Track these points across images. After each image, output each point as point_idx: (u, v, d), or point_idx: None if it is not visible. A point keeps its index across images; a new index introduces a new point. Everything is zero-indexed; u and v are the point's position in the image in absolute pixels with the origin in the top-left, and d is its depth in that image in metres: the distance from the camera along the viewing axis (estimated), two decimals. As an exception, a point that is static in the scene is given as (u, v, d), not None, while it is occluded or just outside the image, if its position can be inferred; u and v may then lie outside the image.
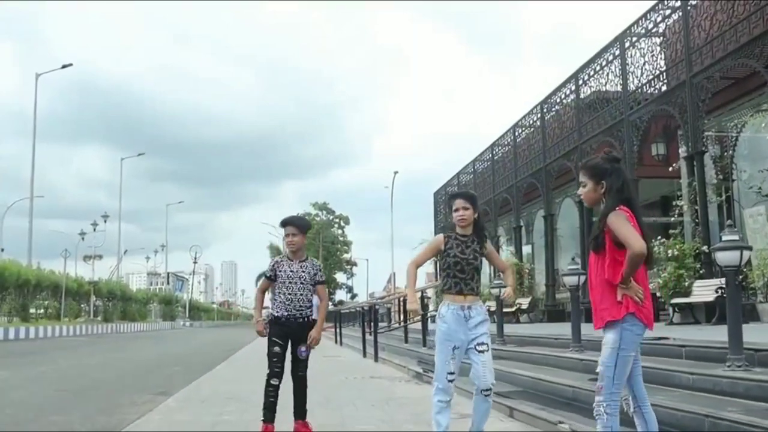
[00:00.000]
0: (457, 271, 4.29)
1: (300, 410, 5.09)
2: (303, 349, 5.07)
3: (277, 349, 5.00)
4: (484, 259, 4.50)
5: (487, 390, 4.20)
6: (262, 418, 4.94)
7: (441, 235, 4.49)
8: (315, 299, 17.60)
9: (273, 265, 5.18)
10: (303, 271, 5.12)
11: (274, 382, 4.96)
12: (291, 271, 5.10)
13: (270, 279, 5.17)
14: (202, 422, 5.71)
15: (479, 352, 4.19)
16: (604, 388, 3.33)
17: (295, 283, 5.09)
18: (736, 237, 5.14)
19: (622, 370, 3.31)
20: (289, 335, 5.05)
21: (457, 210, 4.37)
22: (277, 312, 5.10)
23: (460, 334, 4.21)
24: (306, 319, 5.11)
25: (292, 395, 5.10)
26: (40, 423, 6.04)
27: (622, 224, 3.26)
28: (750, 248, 5.49)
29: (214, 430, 5.43)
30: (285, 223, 5.17)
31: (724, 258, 5.10)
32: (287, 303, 5.06)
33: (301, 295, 5.10)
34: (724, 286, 10.73)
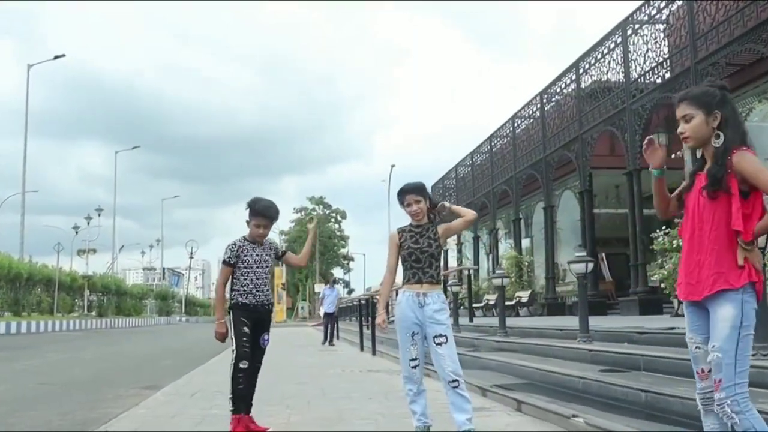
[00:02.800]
0: (413, 261, 4.30)
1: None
2: (266, 337, 4.73)
3: (246, 329, 4.60)
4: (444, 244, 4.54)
5: (453, 381, 4.12)
6: (232, 409, 4.51)
7: (395, 231, 4.49)
8: (331, 294, 16.99)
9: (236, 250, 4.71)
10: (267, 255, 4.79)
11: (243, 365, 4.53)
12: (257, 256, 4.73)
13: (232, 266, 4.72)
14: (189, 416, 5.39)
15: (437, 344, 4.18)
16: (723, 380, 2.55)
17: (263, 268, 4.74)
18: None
19: (745, 355, 2.57)
20: (255, 321, 4.68)
21: (409, 205, 4.38)
22: (244, 299, 4.67)
23: (414, 318, 4.22)
24: (271, 305, 4.80)
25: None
26: (13, 418, 5.69)
27: (759, 167, 2.56)
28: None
29: (198, 429, 5.08)
30: (259, 213, 4.68)
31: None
32: (255, 290, 4.68)
33: (267, 280, 4.77)
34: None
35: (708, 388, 2.70)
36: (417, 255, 4.30)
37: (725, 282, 2.57)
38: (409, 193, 4.39)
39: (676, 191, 2.87)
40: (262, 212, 4.70)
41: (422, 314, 4.22)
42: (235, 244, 4.74)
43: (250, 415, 4.64)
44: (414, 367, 4.27)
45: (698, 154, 2.84)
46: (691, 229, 2.70)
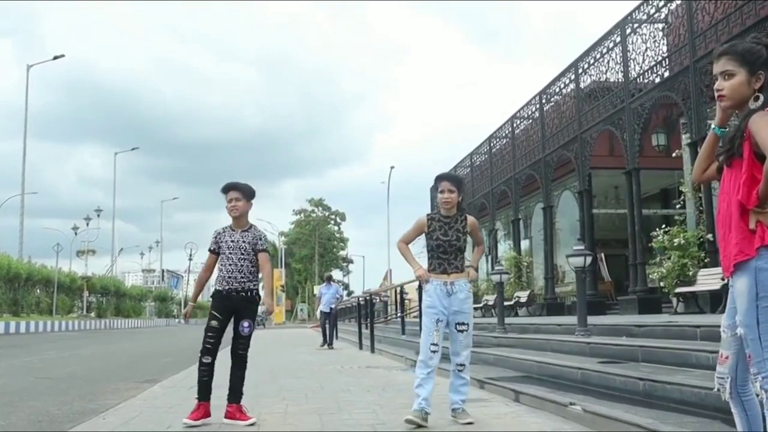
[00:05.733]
0: (441, 252, 4.47)
1: (236, 394, 4.66)
2: (246, 324, 4.68)
3: (214, 323, 4.62)
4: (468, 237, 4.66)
5: (460, 365, 4.44)
6: (197, 397, 4.58)
7: (424, 217, 4.63)
8: (328, 292, 16.45)
9: (216, 237, 4.81)
10: (243, 241, 4.76)
11: (206, 360, 4.56)
12: (232, 242, 4.75)
13: (215, 253, 4.80)
14: (186, 407, 5.32)
15: (459, 331, 4.44)
16: (753, 356, 2.39)
17: (235, 253, 4.72)
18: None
19: None
20: (230, 310, 4.68)
21: (442, 192, 4.53)
22: (218, 286, 4.74)
23: (442, 306, 4.41)
24: (249, 293, 4.73)
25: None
26: (13, 408, 5.68)
27: (766, 126, 2.31)
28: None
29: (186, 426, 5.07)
30: (227, 188, 4.82)
31: None
32: (228, 276, 4.69)
33: (242, 266, 4.71)
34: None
35: (722, 374, 2.61)
36: (445, 247, 4.48)
37: (741, 253, 2.40)
38: (446, 180, 4.57)
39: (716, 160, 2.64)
40: (229, 186, 4.81)
41: (449, 302, 4.43)
42: (216, 231, 4.84)
43: (241, 404, 4.65)
44: (433, 352, 4.41)
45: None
46: (721, 202, 2.53)
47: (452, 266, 4.46)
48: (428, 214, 4.63)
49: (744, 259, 2.39)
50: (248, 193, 4.85)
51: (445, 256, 4.47)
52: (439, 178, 4.60)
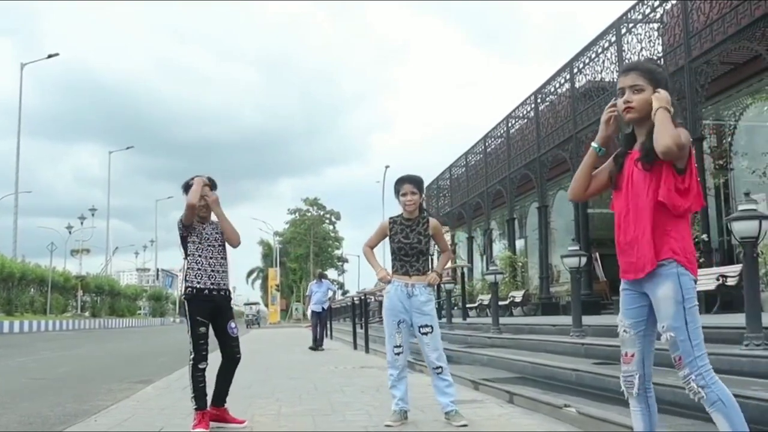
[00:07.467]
0: (402, 255, 4.50)
1: (224, 397, 4.57)
2: (233, 325, 4.53)
3: (203, 329, 4.36)
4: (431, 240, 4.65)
5: (437, 368, 4.41)
6: (195, 407, 4.36)
7: (387, 220, 4.68)
8: (319, 291, 15.74)
9: (183, 222, 4.40)
10: (217, 233, 4.49)
11: (202, 366, 4.37)
12: (207, 234, 4.45)
13: (186, 227, 4.40)
14: (179, 408, 5.33)
15: (423, 334, 4.42)
16: (683, 357, 2.51)
17: (215, 247, 4.45)
18: (753, 206, 4.81)
19: (696, 327, 2.52)
20: (212, 313, 4.42)
21: (404, 194, 4.52)
22: (200, 283, 4.38)
23: (402, 308, 4.44)
24: (227, 291, 4.54)
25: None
26: (4, 409, 5.65)
27: (681, 136, 2.50)
28: (768, 217, 5.11)
29: (186, 421, 5.04)
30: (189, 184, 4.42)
31: (741, 228, 4.74)
32: (212, 271, 4.40)
33: (223, 261, 4.48)
34: (725, 274, 10.45)
35: (629, 372, 2.72)
36: (406, 250, 4.49)
37: (669, 251, 2.52)
38: (407, 182, 4.53)
39: (598, 170, 2.78)
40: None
41: (410, 304, 4.43)
42: (185, 216, 4.42)
43: (225, 407, 4.58)
44: (397, 354, 4.45)
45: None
46: (626, 206, 2.64)
47: (414, 269, 4.47)
48: (391, 218, 4.65)
49: (668, 258, 2.51)
50: (215, 184, 4.55)
51: (407, 258, 4.48)
52: (401, 181, 4.57)
